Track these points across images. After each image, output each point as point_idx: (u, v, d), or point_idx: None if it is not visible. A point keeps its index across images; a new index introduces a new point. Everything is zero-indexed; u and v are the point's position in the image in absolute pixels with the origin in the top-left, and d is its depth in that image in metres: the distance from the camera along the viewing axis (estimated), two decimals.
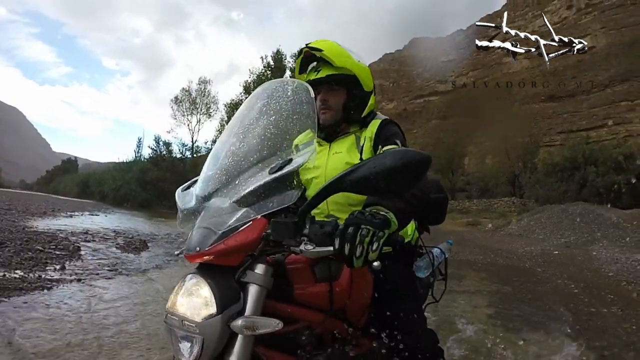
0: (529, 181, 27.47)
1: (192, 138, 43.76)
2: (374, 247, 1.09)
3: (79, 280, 5.70)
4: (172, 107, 44.19)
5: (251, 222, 1.21)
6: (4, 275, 5.36)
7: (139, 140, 44.73)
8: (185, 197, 1.46)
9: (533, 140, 34.15)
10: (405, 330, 1.64)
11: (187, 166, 39.56)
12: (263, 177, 1.26)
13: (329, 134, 1.86)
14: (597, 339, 4.04)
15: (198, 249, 1.17)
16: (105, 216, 18.82)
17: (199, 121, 43.71)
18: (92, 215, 18.51)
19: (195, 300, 1.13)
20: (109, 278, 6.11)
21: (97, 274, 6.28)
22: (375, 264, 1.10)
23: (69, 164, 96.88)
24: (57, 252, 7.32)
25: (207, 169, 1.45)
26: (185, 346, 1.13)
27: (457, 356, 3.40)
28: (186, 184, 1.55)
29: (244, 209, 1.24)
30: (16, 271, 5.69)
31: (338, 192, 1.16)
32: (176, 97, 44.36)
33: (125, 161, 44.11)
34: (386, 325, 1.65)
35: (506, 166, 34.64)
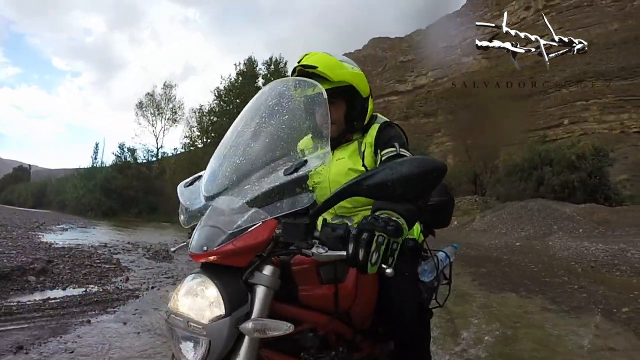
0: (490, 180, 28.84)
1: (157, 143, 43.28)
2: (389, 261, 1.16)
3: (152, 287, 6.36)
4: (136, 113, 43.58)
5: (261, 223, 1.23)
6: (85, 290, 5.94)
7: (96, 146, 43.95)
8: (190, 195, 1.48)
9: (493, 140, 34.54)
10: (407, 332, 1.76)
11: (154, 172, 39.27)
12: (278, 179, 1.27)
13: (333, 144, 1.77)
14: (549, 293, 6.12)
15: (205, 248, 1.19)
16: (94, 228, 18.67)
17: (163, 127, 43.58)
18: (83, 228, 18.34)
19: (201, 300, 1.15)
20: (173, 284, 6.50)
21: (160, 281, 6.93)
22: (388, 271, 1.14)
23: (21, 172, 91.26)
24: (106, 266, 7.89)
25: (213, 167, 1.47)
26: (187, 346, 1.15)
27: (464, 306, 5.33)
28: (189, 179, 1.58)
29: (255, 210, 1.25)
30: (89, 286, 6.25)
31: (353, 196, 1.21)
32: (140, 102, 44.18)
33: (84, 168, 42.91)
34: (388, 326, 1.77)
35: (468, 166, 35.89)
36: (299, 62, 1.90)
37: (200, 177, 1.52)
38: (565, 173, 20.64)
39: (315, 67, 1.83)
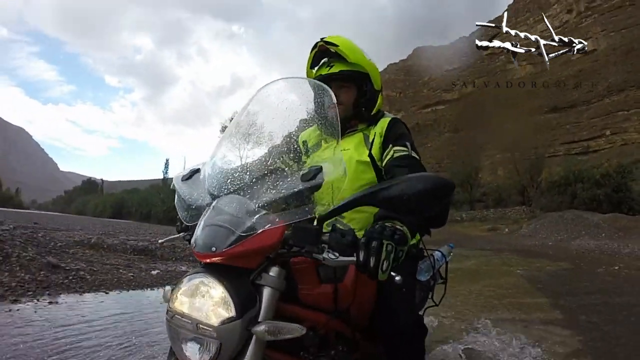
0: (535, 193, 34.63)
1: (241, 162, 52.26)
2: (393, 265, 1.25)
3: None
4: (219, 136, 52.21)
5: (271, 225, 1.29)
6: None
7: (167, 161, 50.70)
8: (190, 190, 1.55)
9: (538, 155, 40.80)
10: (401, 344, 1.81)
11: None
12: (294, 185, 1.36)
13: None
14: (552, 259, 14.51)
15: (214, 249, 1.23)
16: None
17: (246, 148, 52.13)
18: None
19: (209, 302, 1.21)
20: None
21: None
22: (397, 278, 1.22)
23: (91, 185, 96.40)
24: None
25: (219, 163, 1.57)
26: (192, 348, 1.21)
27: (512, 263, 13.76)
28: (185, 173, 1.64)
29: (268, 213, 1.33)
30: None
31: (367, 205, 1.30)
32: (224, 127, 51.16)
33: (161, 179, 48.50)
34: (385, 326, 1.83)
35: (516, 179, 41.00)
36: (322, 39, 2.09)
37: (198, 170, 1.63)
38: (593, 189, 27.08)
39: (336, 45, 2.02)
